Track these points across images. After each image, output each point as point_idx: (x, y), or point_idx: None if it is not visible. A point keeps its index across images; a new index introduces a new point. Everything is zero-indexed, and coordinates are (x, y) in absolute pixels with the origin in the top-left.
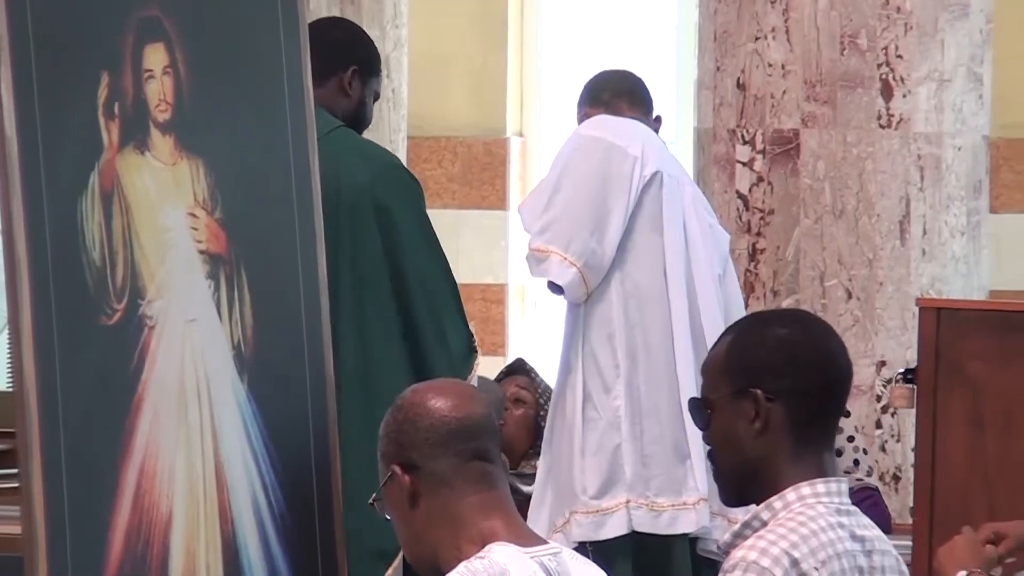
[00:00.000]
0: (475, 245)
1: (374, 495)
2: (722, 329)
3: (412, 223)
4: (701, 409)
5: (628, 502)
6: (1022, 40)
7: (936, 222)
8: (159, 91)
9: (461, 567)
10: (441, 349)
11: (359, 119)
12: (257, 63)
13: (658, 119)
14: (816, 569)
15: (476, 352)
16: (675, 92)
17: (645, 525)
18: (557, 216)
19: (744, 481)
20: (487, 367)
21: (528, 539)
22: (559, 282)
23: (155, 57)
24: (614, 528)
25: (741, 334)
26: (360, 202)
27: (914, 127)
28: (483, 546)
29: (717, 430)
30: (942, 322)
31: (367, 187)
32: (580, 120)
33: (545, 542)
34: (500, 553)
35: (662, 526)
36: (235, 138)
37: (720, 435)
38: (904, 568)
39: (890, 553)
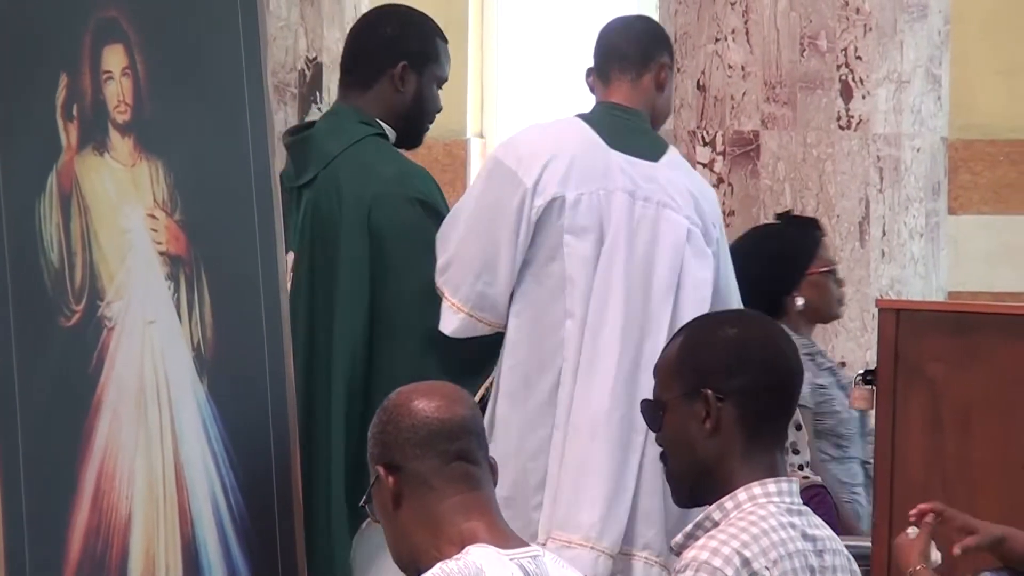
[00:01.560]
0: None
1: (363, 497)
2: (657, 347)
3: (401, 252)
4: (653, 410)
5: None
6: (980, 41)
7: (895, 223)
8: (118, 92)
9: (437, 568)
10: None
11: (421, 113)
12: (217, 65)
13: (662, 67)
14: (767, 568)
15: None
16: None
17: None
18: (451, 257)
19: (696, 481)
20: None
21: (509, 541)
22: (445, 331)
23: (114, 58)
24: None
25: (692, 335)
26: (356, 225)
27: (873, 128)
28: (463, 547)
29: (669, 431)
30: (901, 323)
31: (364, 209)
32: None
33: (527, 544)
34: (477, 554)
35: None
36: (195, 139)
37: (672, 436)
38: (855, 568)
39: (841, 552)
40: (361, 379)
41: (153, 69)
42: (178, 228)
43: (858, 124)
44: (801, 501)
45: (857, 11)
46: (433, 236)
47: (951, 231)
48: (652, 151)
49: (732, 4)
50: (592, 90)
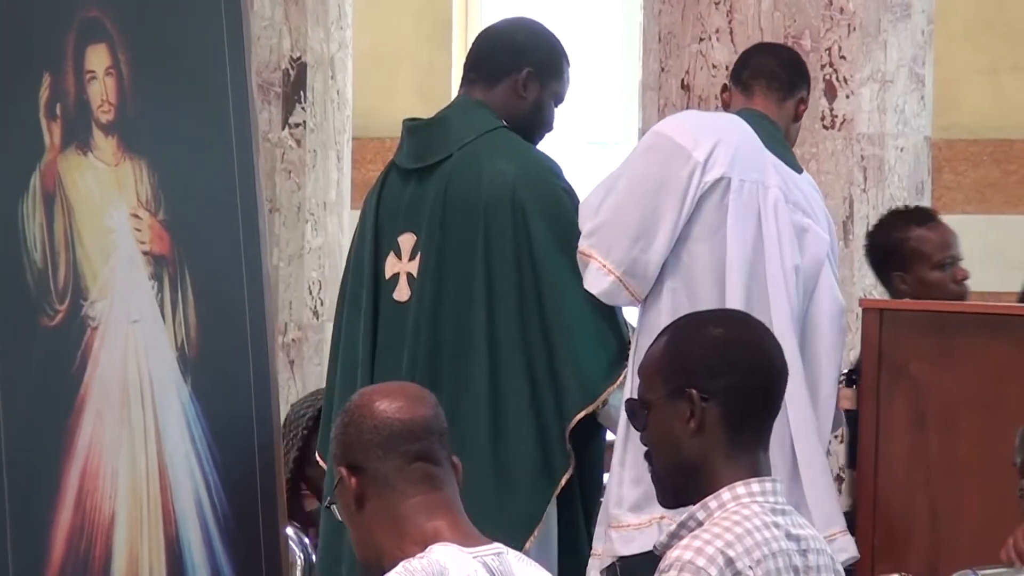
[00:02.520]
0: None
1: (328, 498)
2: (791, 340)
3: (547, 229)
4: (638, 410)
5: (662, 518)
6: (963, 41)
7: None
8: (102, 92)
9: (400, 567)
10: (571, 368)
11: (536, 122)
12: (201, 64)
13: (802, 100)
14: (751, 568)
15: (622, 365)
16: (620, 94)
17: None
18: (604, 220)
19: (681, 481)
20: None
21: (473, 539)
22: (592, 290)
23: (97, 58)
24: (642, 544)
25: (676, 335)
26: (500, 202)
27: (857, 128)
28: (426, 546)
29: (654, 431)
30: (885, 323)
31: (508, 186)
32: (722, 100)
33: (490, 542)
34: (441, 552)
35: None
36: (178, 139)
37: (657, 435)
38: (839, 567)
39: (825, 552)
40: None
41: (137, 69)
42: (162, 228)
43: (842, 124)
44: (785, 500)
45: (841, 11)
46: (575, 220)
47: None
48: (795, 164)
49: (716, 4)
50: (725, 106)
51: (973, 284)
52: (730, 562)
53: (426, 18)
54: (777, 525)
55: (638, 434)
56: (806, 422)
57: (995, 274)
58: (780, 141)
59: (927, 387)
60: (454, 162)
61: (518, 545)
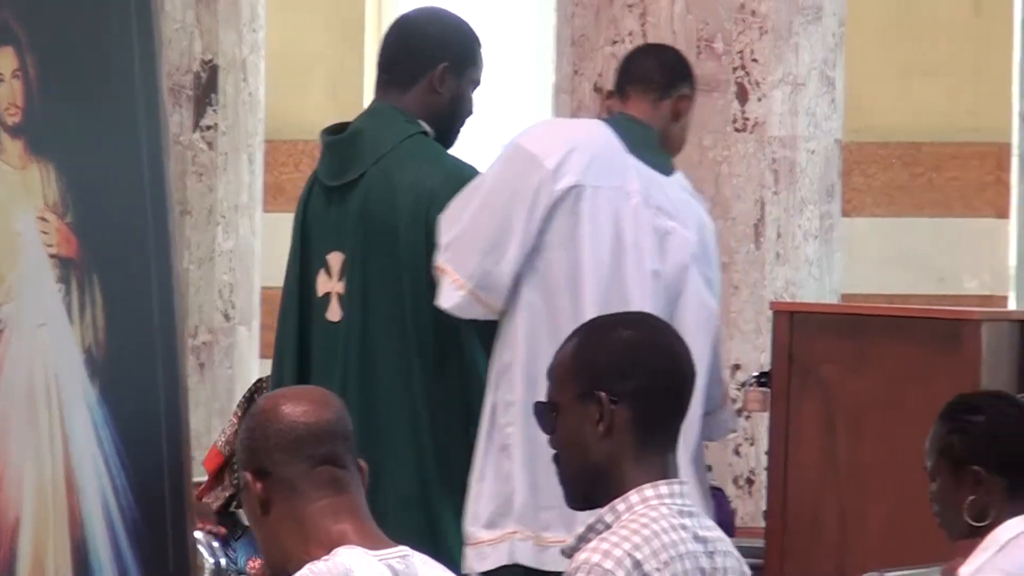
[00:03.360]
0: None
1: (233, 503)
2: None
3: None
4: (547, 412)
5: (515, 533)
6: (873, 44)
7: (790, 225)
8: (9, 95)
9: (305, 570)
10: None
11: (456, 114)
12: (109, 68)
13: (682, 98)
14: (658, 570)
15: None
16: (534, 96)
17: (527, 558)
18: (458, 233)
19: (589, 484)
20: None
21: (378, 542)
22: (444, 305)
23: (4, 61)
24: (496, 560)
25: (586, 337)
26: (415, 221)
27: (769, 131)
28: (331, 550)
29: (563, 433)
30: (795, 326)
31: (423, 204)
32: (606, 108)
33: (395, 545)
34: (346, 555)
35: (547, 562)
36: (87, 142)
37: (566, 438)
38: (746, 570)
39: (732, 554)
40: (435, 370)
41: (45, 71)
42: (69, 231)
43: (754, 126)
44: (692, 503)
45: (753, 13)
46: None
47: (845, 233)
48: (664, 167)
49: (630, 7)
50: (609, 113)
51: (882, 286)
52: (638, 564)
53: (338, 19)
54: (685, 527)
55: (496, 448)
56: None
57: (903, 276)
58: (648, 144)
59: (837, 389)
60: (369, 179)
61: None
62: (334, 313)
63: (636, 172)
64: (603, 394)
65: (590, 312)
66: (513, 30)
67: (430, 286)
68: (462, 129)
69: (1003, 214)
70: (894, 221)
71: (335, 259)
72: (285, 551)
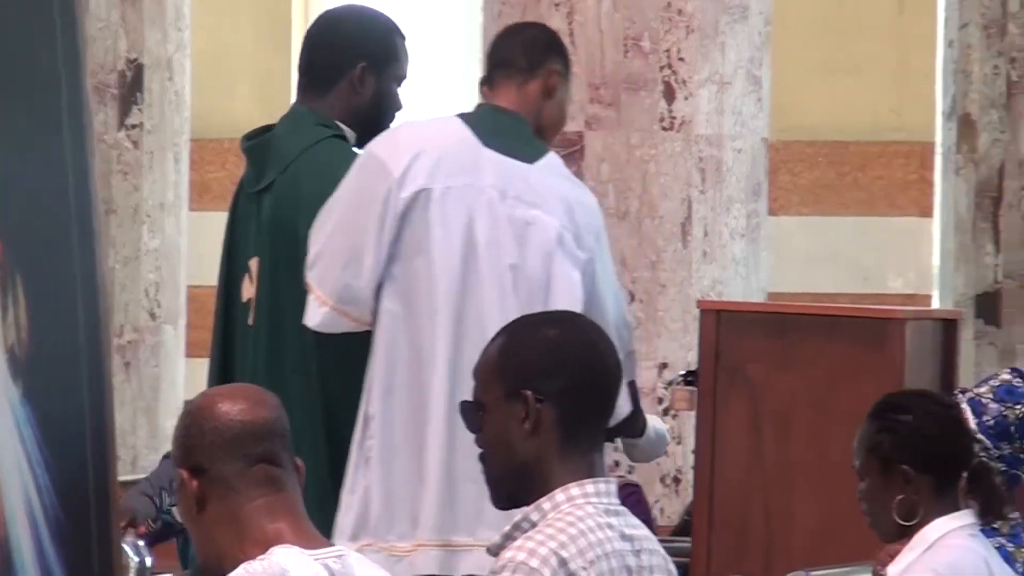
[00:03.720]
0: None
1: (170, 501)
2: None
3: None
4: (473, 412)
5: (369, 545)
6: (799, 43)
7: (717, 224)
8: None
9: (240, 569)
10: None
11: (380, 113)
12: (32, 66)
13: (551, 73)
14: (584, 569)
15: None
16: (462, 94)
17: None
18: (321, 248)
19: (515, 483)
20: None
21: (314, 541)
22: (310, 324)
23: None
24: None
25: (512, 336)
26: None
27: (696, 129)
28: (267, 549)
29: (489, 432)
30: (722, 324)
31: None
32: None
33: (332, 544)
34: (282, 555)
35: (400, 572)
36: (9, 142)
37: (491, 437)
38: (672, 567)
39: (658, 552)
40: (319, 376)
41: None
42: None
43: (681, 125)
44: (619, 501)
45: (679, 12)
46: None
47: (771, 232)
48: (528, 153)
49: (556, 5)
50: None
51: (808, 284)
52: (563, 563)
53: (265, 19)
54: (611, 526)
55: (366, 459)
56: None
57: (829, 275)
58: (513, 132)
59: (763, 388)
60: (278, 186)
61: None
62: (252, 318)
63: (491, 165)
64: (529, 393)
65: (444, 318)
66: (440, 29)
67: None
68: (391, 126)
69: (927, 213)
70: (820, 220)
71: (255, 264)
72: (220, 550)
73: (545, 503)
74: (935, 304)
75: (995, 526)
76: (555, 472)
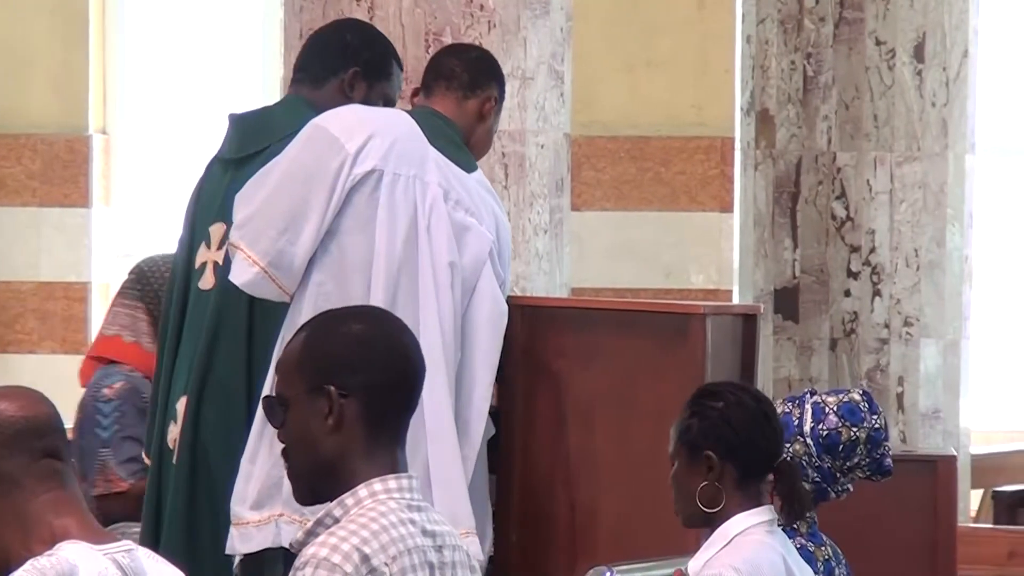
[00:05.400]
0: (58, 243)
1: None
2: (436, 337)
3: None
4: (276, 407)
5: (281, 515)
6: (600, 39)
7: (520, 220)
8: None
9: (28, 565)
10: None
11: None
12: None
13: (488, 99)
14: (386, 564)
15: None
16: (261, 90)
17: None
18: (255, 211)
19: (318, 479)
20: (71, 365)
21: (101, 537)
22: (236, 281)
23: None
24: (260, 541)
25: (315, 331)
26: None
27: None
28: (54, 545)
29: (291, 428)
30: (526, 320)
31: None
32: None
33: (118, 539)
34: (70, 550)
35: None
36: None
37: (294, 433)
38: (475, 563)
39: (461, 548)
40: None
41: None
42: None
43: None
44: (421, 497)
45: (481, 7)
46: None
47: (574, 227)
48: (465, 163)
49: (357, 0)
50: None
51: (611, 280)
52: (366, 559)
53: (62, 15)
54: (413, 522)
55: (271, 431)
56: (444, 420)
57: (632, 270)
58: (451, 139)
59: (568, 384)
60: (270, 154)
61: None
62: (207, 281)
63: (436, 164)
64: (332, 388)
65: (379, 298)
66: (240, 23)
67: None
68: None
69: (728, 208)
70: (623, 215)
71: (217, 230)
72: (5, 546)
73: (348, 499)
74: (734, 299)
75: (795, 526)
76: (358, 468)
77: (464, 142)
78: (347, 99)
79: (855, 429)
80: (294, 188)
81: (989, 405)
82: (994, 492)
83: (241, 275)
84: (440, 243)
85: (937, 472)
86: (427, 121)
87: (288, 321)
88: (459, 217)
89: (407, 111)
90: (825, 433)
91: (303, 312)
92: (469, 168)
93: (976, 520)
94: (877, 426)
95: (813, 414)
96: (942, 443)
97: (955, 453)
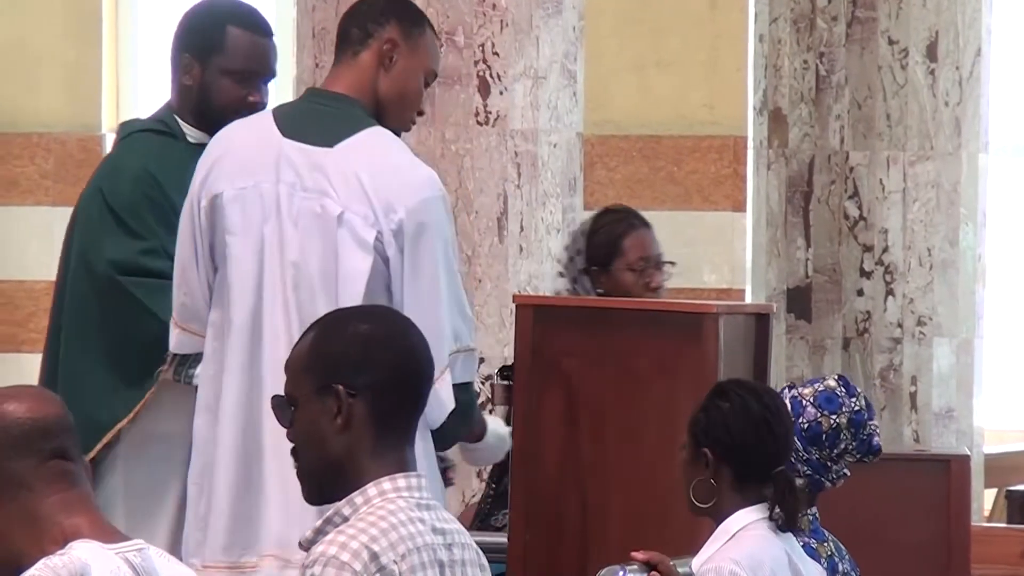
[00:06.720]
0: None
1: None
2: (283, 338)
3: (80, 244)
4: (284, 407)
5: (208, 567)
6: (612, 38)
7: (533, 219)
8: None
9: (40, 564)
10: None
11: (206, 103)
12: None
13: (386, 41)
14: (396, 562)
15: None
16: (274, 89)
17: None
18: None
19: (327, 478)
20: None
21: (113, 536)
22: (173, 351)
23: None
24: None
25: (323, 331)
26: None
27: (511, 124)
28: (66, 544)
29: (300, 427)
30: (538, 319)
31: (84, 198)
32: None
33: (130, 539)
34: (82, 549)
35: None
36: None
37: (303, 432)
38: (485, 562)
39: (471, 546)
40: None
41: None
42: None
43: (496, 120)
44: (431, 495)
45: (493, 6)
46: (101, 235)
47: None
48: (330, 136)
49: None
50: None
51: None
52: (375, 557)
53: (74, 13)
54: (423, 520)
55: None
56: None
57: None
58: (321, 115)
59: (579, 383)
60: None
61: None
62: None
63: (287, 159)
64: (340, 387)
65: (240, 321)
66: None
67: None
68: (233, 119)
69: (740, 207)
70: None
71: None
72: (16, 548)
73: (357, 497)
74: (747, 298)
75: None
76: (367, 467)
77: (372, 102)
78: (187, 87)
79: (835, 416)
80: (180, 236)
81: (1002, 404)
82: (1008, 491)
83: (173, 341)
84: (283, 247)
85: (950, 471)
86: (295, 109)
87: (204, 363)
88: (309, 205)
89: (279, 106)
90: (806, 426)
91: (205, 355)
92: (336, 139)
93: (990, 519)
94: (857, 408)
95: (792, 408)
96: (955, 442)
97: (968, 452)
